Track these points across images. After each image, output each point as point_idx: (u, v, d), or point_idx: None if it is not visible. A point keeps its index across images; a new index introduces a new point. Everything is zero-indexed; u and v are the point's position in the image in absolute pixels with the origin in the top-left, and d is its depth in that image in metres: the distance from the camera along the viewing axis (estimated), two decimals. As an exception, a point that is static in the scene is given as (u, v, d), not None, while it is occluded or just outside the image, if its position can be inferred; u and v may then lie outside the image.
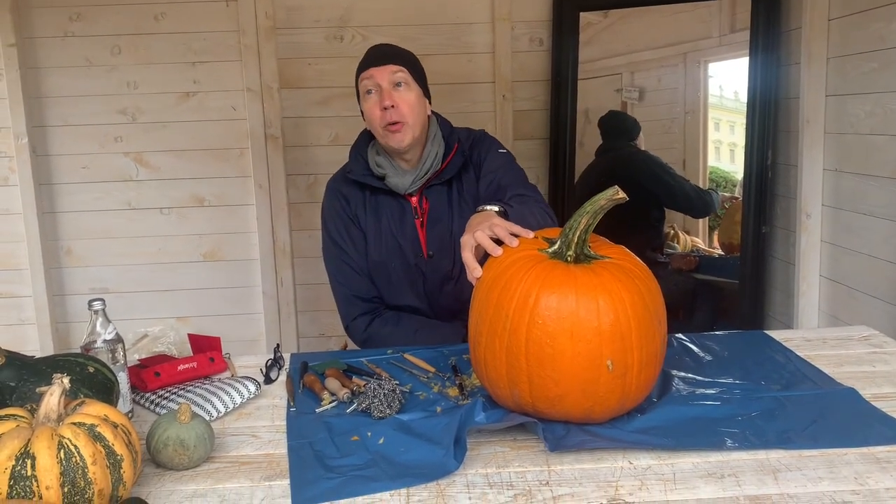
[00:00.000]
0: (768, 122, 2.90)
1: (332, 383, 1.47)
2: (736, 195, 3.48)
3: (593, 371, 1.22)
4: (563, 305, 1.22)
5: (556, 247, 1.32)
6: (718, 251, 3.82)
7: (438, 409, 1.38)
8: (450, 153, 1.87)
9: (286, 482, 1.16)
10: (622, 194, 1.27)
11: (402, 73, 1.80)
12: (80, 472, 0.98)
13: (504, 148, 1.94)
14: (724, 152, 4.24)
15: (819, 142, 2.60)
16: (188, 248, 3.28)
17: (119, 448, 1.03)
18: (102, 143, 3.18)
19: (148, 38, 3.12)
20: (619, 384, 1.24)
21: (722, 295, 3.43)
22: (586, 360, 1.21)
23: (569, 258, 1.30)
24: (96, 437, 1.01)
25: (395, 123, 1.78)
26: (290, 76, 3.20)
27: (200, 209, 3.25)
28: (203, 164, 3.22)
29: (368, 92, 1.81)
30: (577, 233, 1.30)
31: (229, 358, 1.67)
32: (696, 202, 3.49)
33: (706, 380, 1.48)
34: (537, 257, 1.30)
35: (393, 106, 1.78)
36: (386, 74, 1.79)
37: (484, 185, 1.85)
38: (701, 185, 3.53)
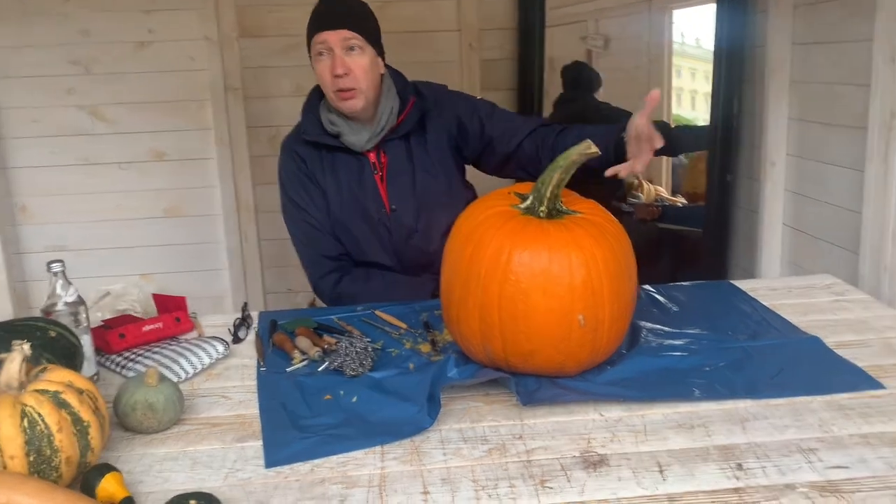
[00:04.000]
0: (734, 71, 2.89)
1: (303, 342, 1.46)
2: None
3: (565, 326, 1.22)
4: (535, 262, 1.21)
5: (528, 202, 1.31)
6: (682, 200, 3.85)
7: (411, 365, 1.38)
8: (405, 107, 1.84)
9: (259, 443, 1.15)
10: (594, 149, 1.26)
11: (355, 39, 1.75)
12: (45, 440, 0.95)
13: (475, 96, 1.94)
14: (686, 98, 4.24)
15: (784, 91, 2.60)
16: (149, 203, 3.19)
17: (85, 415, 1.01)
18: (55, 94, 3.05)
19: (99, -16, 2.98)
20: (591, 339, 1.25)
21: (685, 243, 3.47)
22: (559, 316, 1.22)
23: (541, 213, 1.29)
24: (61, 405, 0.99)
25: (347, 90, 1.75)
26: (250, 24, 3.09)
27: (160, 164, 3.16)
28: (162, 117, 3.11)
29: (320, 54, 1.77)
30: (550, 188, 1.29)
31: (196, 317, 1.64)
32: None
33: (674, 331, 1.49)
34: (509, 213, 1.29)
35: (346, 73, 1.73)
36: (338, 39, 1.74)
37: (498, 132, 1.84)
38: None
